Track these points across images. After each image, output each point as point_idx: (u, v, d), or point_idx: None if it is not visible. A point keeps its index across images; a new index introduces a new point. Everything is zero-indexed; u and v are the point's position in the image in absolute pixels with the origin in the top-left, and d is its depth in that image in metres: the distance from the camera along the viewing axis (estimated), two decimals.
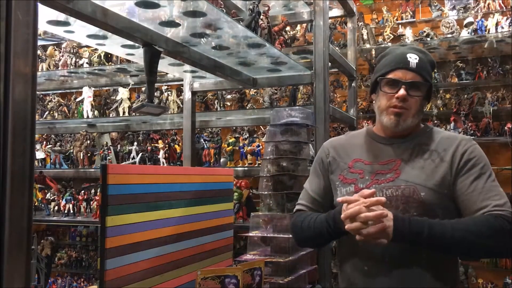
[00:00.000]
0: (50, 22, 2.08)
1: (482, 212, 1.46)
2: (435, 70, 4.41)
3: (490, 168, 1.55)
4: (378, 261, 1.52)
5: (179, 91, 4.06)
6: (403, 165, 1.57)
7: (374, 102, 1.69)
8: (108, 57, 3.70)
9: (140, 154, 4.32)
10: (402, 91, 1.54)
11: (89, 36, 2.30)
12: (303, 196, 1.80)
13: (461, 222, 1.45)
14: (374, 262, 1.53)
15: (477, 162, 1.53)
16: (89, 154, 4.51)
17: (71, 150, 4.61)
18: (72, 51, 3.89)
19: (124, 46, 2.48)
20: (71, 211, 4.06)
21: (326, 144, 1.80)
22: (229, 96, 4.18)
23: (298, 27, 4.00)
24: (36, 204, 4.15)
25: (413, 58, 1.57)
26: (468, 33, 4.11)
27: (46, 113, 4.53)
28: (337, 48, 3.98)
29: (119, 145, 4.59)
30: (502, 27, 4.04)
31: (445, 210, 1.52)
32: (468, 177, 1.51)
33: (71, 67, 3.86)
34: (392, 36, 4.49)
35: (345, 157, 1.69)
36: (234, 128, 4.43)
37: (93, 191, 4.37)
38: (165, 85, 4.26)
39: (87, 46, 3.67)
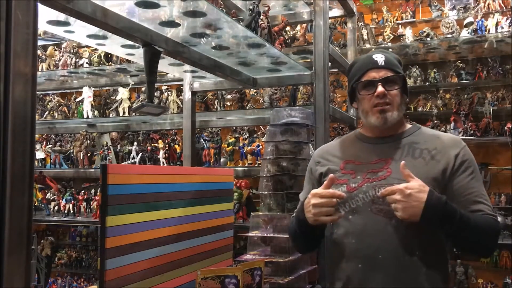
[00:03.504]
0: (50, 22, 2.08)
1: (478, 214, 1.53)
2: (418, 68, 4.47)
3: (478, 169, 1.62)
4: (373, 258, 1.54)
5: (179, 91, 4.06)
6: (394, 163, 1.59)
7: (357, 109, 1.74)
8: (108, 57, 3.70)
9: (140, 154, 4.32)
10: (380, 88, 1.60)
11: (89, 36, 2.30)
12: (299, 204, 1.86)
13: (478, 217, 1.51)
14: (368, 259, 1.55)
15: (470, 165, 1.58)
16: (89, 154, 4.51)
17: (71, 150, 4.62)
18: (72, 51, 3.89)
19: (124, 46, 2.48)
20: (71, 211, 4.06)
21: (315, 152, 1.86)
22: (229, 96, 4.18)
23: (298, 27, 4.00)
24: (36, 204, 4.15)
25: (379, 57, 1.64)
26: (468, 33, 4.11)
27: (46, 113, 4.53)
28: (337, 48, 3.98)
29: (119, 145, 4.59)
30: (502, 27, 4.03)
31: None
32: (464, 179, 1.56)
33: (71, 67, 3.86)
34: (392, 36, 4.49)
35: (336, 161, 1.73)
36: (234, 128, 4.43)
37: (93, 191, 4.37)
38: (165, 85, 4.27)
39: (87, 46, 3.67)
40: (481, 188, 1.57)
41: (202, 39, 2.38)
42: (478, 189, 1.56)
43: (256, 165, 3.77)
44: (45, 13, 1.89)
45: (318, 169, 1.76)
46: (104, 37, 2.31)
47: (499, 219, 3.95)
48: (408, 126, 1.73)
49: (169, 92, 4.24)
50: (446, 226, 1.46)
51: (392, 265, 1.52)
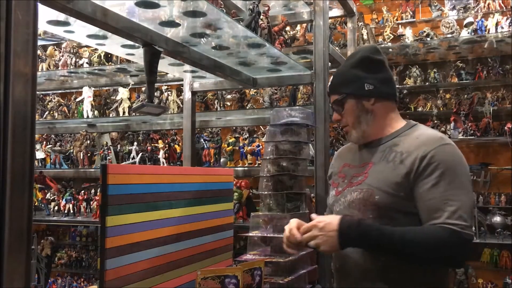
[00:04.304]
0: (50, 22, 2.08)
1: (434, 223, 1.42)
2: (418, 68, 4.48)
3: (454, 172, 1.45)
4: (344, 260, 1.60)
5: (179, 91, 4.06)
6: (373, 167, 1.59)
7: None
8: (108, 57, 3.70)
9: (140, 154, 4.32)
10: (334, 115, 1.71)
11: (89, 36, 2.29)
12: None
13: (411, 231, 1.44)
14: (341, 262, 1.63)
15: (437, 168, 1.44)
16: (89, 154, 4.51)
17: (71, 150, 4.61)
18: (72, 51, 3.89)
19: (124, 46, 2.48)
20: (71, 211, 4.06)
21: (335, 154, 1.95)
22: (229, 96, 4.18)
23: (298, 27, 4.00)
24: (36, 204, 4.15)
25: (330, 81, 1.73)
26: (468, 33, 4.12)
27: (46, 113, 4.53)
28: (337, 48, 3.98)
29: (119, 145, 4.59)
30: (502, 27, 4.04)
31: (402, 213, 1.50)
32: (426, 183, 1.45)
33: (71, 67, 3.86)
34: (392, 36, 4.49)
35: (339, 163, 1.80)
36: (234, 128, 4.43)
37: (93, 191, 4.38)
38: (165, 85, 4.26)
39: (87, 46, 3.67)
40: (448, 193, 1.41)
41: (202, 39, 2.38)
42: (444, 194, 1.41)
43: (256, 165, 3.77)
44: (45, 13, 1.89)
45: (329, 171, 1.88)
46: (104, 37, 2.31)
47: (498, 219, 3.99)
48: (400, 126, 1.65)
49: (169, 92, 4.24)
50: (366, 245, 1.45)
51: (358, 271, 1.56)
